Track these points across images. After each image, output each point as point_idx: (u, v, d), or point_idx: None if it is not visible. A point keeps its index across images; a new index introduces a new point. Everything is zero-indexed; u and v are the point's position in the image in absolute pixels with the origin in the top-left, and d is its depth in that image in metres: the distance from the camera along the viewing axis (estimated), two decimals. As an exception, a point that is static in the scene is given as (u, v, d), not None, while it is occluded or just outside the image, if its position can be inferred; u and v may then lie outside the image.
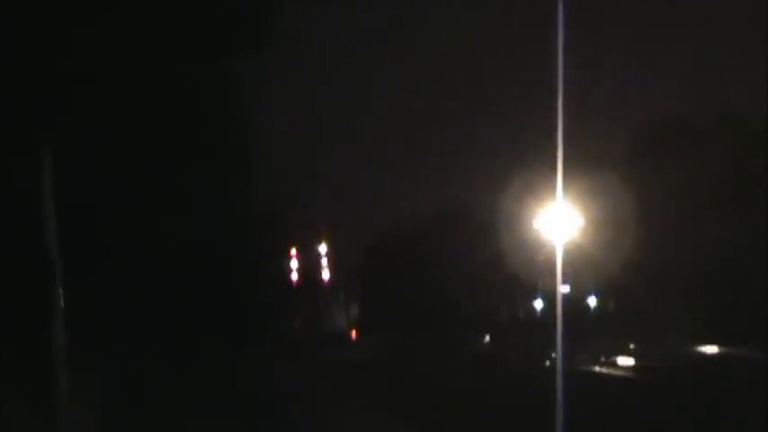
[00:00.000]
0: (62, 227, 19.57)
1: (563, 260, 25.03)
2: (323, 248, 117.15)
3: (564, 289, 26.03)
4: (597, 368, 65.02)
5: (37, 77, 18.51)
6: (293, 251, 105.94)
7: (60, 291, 19.75)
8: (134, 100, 20.39)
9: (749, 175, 68.65)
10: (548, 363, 53.46)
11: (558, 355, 25.57)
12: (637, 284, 71.39)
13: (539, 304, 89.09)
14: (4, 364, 20.18)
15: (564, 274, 25.14)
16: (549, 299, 75.08)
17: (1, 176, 19.46)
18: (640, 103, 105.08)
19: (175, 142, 23.67)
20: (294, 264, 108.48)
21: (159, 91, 21.11)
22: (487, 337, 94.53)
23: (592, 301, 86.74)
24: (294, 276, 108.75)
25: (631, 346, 72.34)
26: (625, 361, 67.95)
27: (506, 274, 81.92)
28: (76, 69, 18.83)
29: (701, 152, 72.12)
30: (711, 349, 67.18)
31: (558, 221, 25.28)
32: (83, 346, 20.41)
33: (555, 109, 22.63)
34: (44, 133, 19.14)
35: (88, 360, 21.03)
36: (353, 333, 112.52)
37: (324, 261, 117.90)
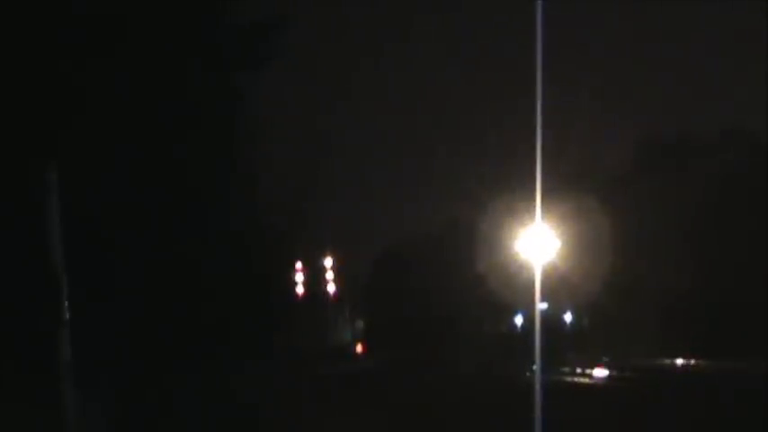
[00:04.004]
0: (67, 240, 18.71)
1: (541, 279, 24.76)
2: (328, 262, 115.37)
3: (542, 306, 25.77)
4: (573, 378, 64.44)
5: (43, 92, 17.71)
6: (298, 265, 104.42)
7: (66, 304, 18.88)
8: (140, 115, 19.61)
9: (728, 196, 68.25)
10: (528, 374, 52.90)
11: (536, 366, 25.29)
12: (610, 301, 70.92)
13: (519, 320, 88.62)
14: (9, 378, 19.31)
15: (542, 291, 24.87)
16: (529, 315, 74.62)
17: (6, 190, 18.65)
18: (623, 124, 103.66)
19: (181, 157, 22.83)
20: (299, 277, 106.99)
21: (165, 106, 20.33)
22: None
23: (568, 317, 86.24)
24: (299, 290, 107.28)
25: (605, 358, 71.95)
26: (599, 372, 67.38)
27: (490, 291, 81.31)
28: (82, 84, 18.02)
29: (679, 173, 71.68)
30: (681, 361, 66.95)
31: (537, 243, 24.92)
32: (88, 360, 19.50)
33: (534, 131, 21.81)
34: (50, 147, 18.28)
35: (94, 374, 20.11)
36: (359, 347, 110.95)
37: (329, 275, 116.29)
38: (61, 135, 18.32)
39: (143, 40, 18.31)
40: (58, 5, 17.49)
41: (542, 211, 23.64)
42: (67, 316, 18.78)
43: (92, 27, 17.87)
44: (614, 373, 65.28)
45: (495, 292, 78.70)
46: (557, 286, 57.58)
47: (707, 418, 34.68)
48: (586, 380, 64.04)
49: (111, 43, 18.01)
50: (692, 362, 65.20)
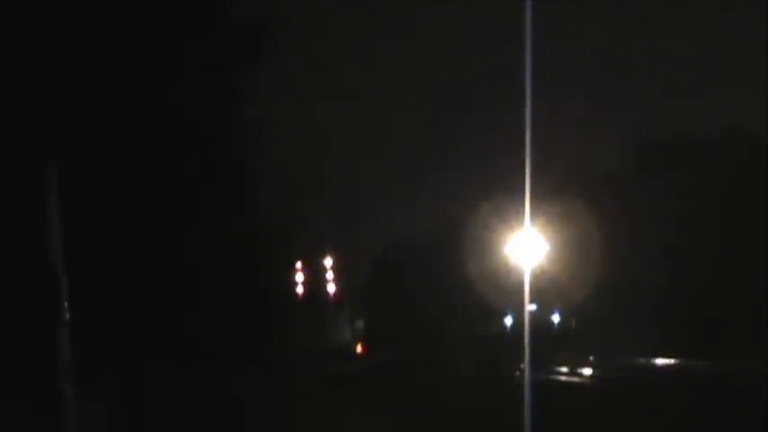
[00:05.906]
0: (67, 240, 18.23)
1: (530, 281, 24.40)
2: (328, 262, 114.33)
3: (531, 307, 25.53)
4: (562, 377, 64.12)
5: (42, 92, 17.26)
6: (298, 264, 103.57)
7: (66, 304, 18.39)
8: (139, 115, 19.18)
9: (727, 197, 67.68)
10: (517, 373, 52.64)
11: (525, 365, 24.99)
12: (599, 303, 70.57)
13: (509, 321, 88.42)
14: (9, 378, 18.82)
15: (531, 293, 24.54)
16: (518, 316, 74.30)
17: (6, 191, 18.18)
18: (619, 125, 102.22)
19: (180, 157, 22.37)
20: (299, 277, 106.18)
21: (164, 106, 19.89)
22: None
23: (556, 318, 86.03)
24: (299, 290, 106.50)
25: (591, 358, 71.80)
26: (586, 371, 67.10)
27: (481, 293, 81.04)
28: (81, 84, 17.57)
29: (677, 173, 71.10)
30: (667, 361, 66.70)
31: (526, 247, 24.56)
32: (88, 360, 19.02)
33: (524, 133, 21.26)
34: (50, 147, 17.82)
35: (94, 374, 19.61)
36: (359, 347, 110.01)
37: (329, 275, 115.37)
38: (61, 135, 17.85)
39: (142, 40, 17.92)
40: (56, 5, 17.08)
41: (538, 213, 23.34)
42: (67, 316, 18.33)
43: (91, 27, 17.47)
44: (600, 372, 65.03)
45: (487, 294, 78.45)
46: (545, 288, 57.31)
47: (698, 418, 34.41)
48: (574, 378, 63.73)
49: (110, 43, 17.60)
50: (682, 361, 64.82)
